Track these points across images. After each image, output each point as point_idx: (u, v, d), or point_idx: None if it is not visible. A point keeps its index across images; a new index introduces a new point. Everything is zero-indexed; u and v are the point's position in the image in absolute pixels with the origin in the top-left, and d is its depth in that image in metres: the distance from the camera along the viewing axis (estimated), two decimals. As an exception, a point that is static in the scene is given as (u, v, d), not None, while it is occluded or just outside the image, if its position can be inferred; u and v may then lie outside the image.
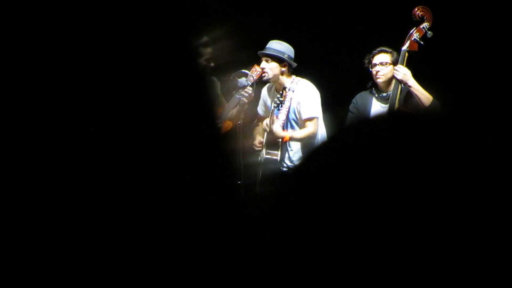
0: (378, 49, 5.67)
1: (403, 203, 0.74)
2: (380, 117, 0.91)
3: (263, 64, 5.64)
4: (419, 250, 0.73)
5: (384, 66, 5.59)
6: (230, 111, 5.56)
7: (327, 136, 5.71)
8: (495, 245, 0.73)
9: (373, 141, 0.79)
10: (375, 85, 5.76)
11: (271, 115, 5.61)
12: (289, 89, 5.69)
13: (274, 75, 5.67)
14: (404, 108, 5.51)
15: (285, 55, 5.65)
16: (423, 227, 0.73)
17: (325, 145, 0.87)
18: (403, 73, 5.44)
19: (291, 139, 5.63)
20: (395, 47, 5.67)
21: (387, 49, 5.64)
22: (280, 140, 5.64)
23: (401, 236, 0.73)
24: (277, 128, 5.56)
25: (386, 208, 0.74)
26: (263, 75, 5.60)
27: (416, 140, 0.78)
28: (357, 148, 0.79)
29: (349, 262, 0.74)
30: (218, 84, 5.70)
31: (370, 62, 5.67)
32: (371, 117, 0.87)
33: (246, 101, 5.49)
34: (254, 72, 5.57)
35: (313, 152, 0.85)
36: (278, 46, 5.70)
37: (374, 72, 5.65)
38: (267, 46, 5.72)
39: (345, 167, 0.78)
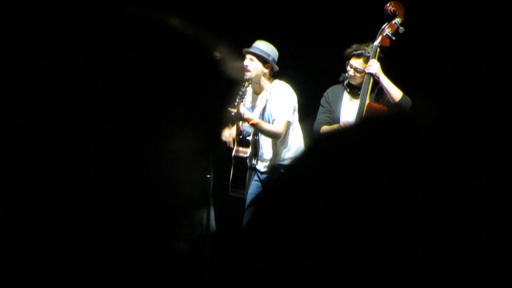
0: (358, 52, 5.61)
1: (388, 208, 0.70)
2: (357, 125, 0.88)
3: (247, 61, 5.58)
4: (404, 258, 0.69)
5: (358, 73, 5.56)
6: None
7: (304, 141, 5.72)
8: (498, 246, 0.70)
9: (351, 150, 0.76)
10: (347, 78, 5.72)
11: (237, 105, 5.51)
12: (266, 90, 5.65)
13: (256, 75, 5.62)
14: (375, 103, 5.53)
15: (270, 57, 5.61)
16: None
17: (305, 154, 0.83)
18: (376, 67, 5.44)
19: (258, 125, 5.53)
20: (368, 41, 5.65)
21: (366, 54, 5.57)
22: (251, 137, 5.59)
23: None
24: (244, 109, 5.50)
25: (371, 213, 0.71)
26: (245, 73, 5.54)
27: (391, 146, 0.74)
28: (336, 157, 0.76)
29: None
30: None
31: (348, 58, 5.62)
32: (347, 126, 0.84)
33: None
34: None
35: (294, 162, 0.82)
36: (264, 46, 5.66)
37: (349, 73, 5.62)
38: (254, 45, 5.67)
39: (326, 175, 0.75)
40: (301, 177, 0.73)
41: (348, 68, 5.62)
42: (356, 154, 0.72)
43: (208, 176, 5.29)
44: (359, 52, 5.58)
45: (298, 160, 0.79)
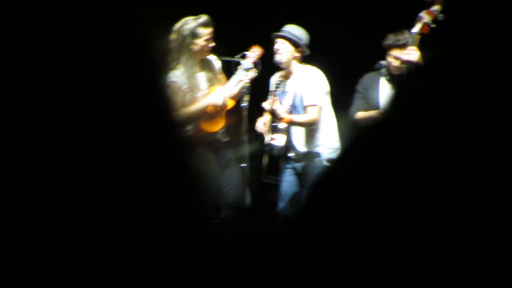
0: (401, 42, 5.54)
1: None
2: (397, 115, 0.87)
3: (278, 45, 5.58)
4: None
5: (404, 64, 5.53)
6: (230, 90, 5.49)
7: (339, 128, 5.70)
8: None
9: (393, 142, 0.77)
10: (386, 66, 5.70)
11: (272, 97, 5.54)
12: (296, 76, 5.64)
13: (288, 59, 5.60)
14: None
15: (301, 41, 5.59)
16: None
17: (349, 147, 0.82)
18: (416, 55, 5.41)
19: (291, 122, 5.56)
20: (402, 29, 5.61)
21: (409, 44, 5.51)
22: (283, 125, 5.59)
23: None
24: (278, 107, 5.51)
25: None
26: (276, 56, 5.54)
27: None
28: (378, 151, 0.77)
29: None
30: (218, 62, 5.64)
31: (391, 47, 5.57)
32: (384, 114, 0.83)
33: (247, 84, 5.43)
34: (253, 53, 5.52)
35: (344, 152, 0.82)
36: (296, 30, 5.65)
37: (394, 64, 5.59)
38: (285, 29, 5.65)
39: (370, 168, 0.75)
40: (346, 171, 0.73)
41: (392, 59, 5.58)
42: (398, 147, 0.72)
43: (244, 165, 5.33)
44: (401, 42, 5.55)
45: (343, 154, 0.79)
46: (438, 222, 0.70)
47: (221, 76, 5.63)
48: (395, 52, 5.58)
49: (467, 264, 0.70)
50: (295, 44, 5.59)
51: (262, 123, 5.68)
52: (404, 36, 5.56)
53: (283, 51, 5.58)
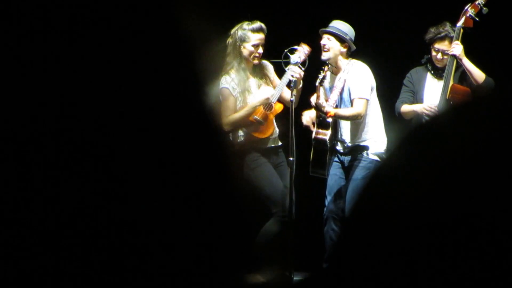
0: (443, 34, 5.61)
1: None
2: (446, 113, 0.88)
3: (324, 41, 5.60)
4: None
5: (446, 55, 5.57)
6: (280, 92, 5.55)
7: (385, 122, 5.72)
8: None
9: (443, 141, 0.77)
10: (430, 60, 5.74)
11: (316, 91, 5.56)
12: (343, 70, 5.66)
13: (334, 54, 5.63)
14: (459, 85, 5.52)
15: (347, 36, 5.62)
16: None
17: (400, 146, 0.85)
18: (460, 49, 5.44)
19: (336, 115, 5.58)
20: (443, 22, 5.63)
21: (450, 35, 5.56)
22: (330, 119, 5.61)
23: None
24: (322, 103, 5.53)
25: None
26: (323, 52, 5.57)
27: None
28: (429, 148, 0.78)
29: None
30: (271, 67, 5.71)
31: (432, 41, 5.63)
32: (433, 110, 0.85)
33: (296, 79, 5.47)
34: (302, 50, 5.56)
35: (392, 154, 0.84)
36: (341, 26, 5.66)
37: (436, 57, 5.65)
38: (331, 24, 5.68)
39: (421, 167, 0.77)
40: (398, 169, 0.75)
41: (434, 53, 5.63)
42: (448, 145, 0.73)
43: (291, 159, 5.38)
44: (443, 34, 5.57)
45: (394, 153, 0.81)
46: (494, 225, 0.70)
47: (276, 81, 5.68)
48: (438, 45, 5.61)
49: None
50: (341, 39, 5.62)
51: (308, 117, 5.72)
52: (445, 28, 5.59)
53: (329, 46, 5.61)
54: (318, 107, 5.50)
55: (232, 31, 5.54)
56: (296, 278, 5.46)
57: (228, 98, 5.54)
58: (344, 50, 5.63)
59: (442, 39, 5.60)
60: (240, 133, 5.65)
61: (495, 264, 0.70)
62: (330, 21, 5.72)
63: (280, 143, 5.73)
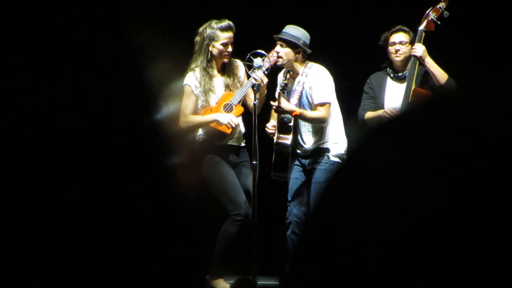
0: (397, 28, 5.71)
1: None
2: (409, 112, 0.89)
3: (278, 48, 5.62)
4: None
5: (403, 45, 5.62)
6: (242, 95, 5.57)
7: (347, 128, 5.74)
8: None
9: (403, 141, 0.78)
10: (390, 65, 5.76)
11: (278, 97, 5.57)
12: (301, 74, 5.67)
13: (288, 61, 5.64)
14: (421, 88, 5.55)
15: (300, 41, 5.62)
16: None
17: (360, 148, 0.84)
18: (422, 49, 5.48)
19: (301, 115, 5.59)
20: (411, 27, 5.69)
21: (405, 28, 5.66)
22: (291, 123, 5.62)
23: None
24: (285, 103, 5.54)
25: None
26: (277, 60, 5.58)
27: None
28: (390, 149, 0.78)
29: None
30: (242, 67, 5.72)
31: (387, 40, 5.68)
32: (393, 112, 0.85)
33: (259, 83, 5.46)
34: (271, 57, 5.56)
35: (352, 156, 0.83)
36: (293, 31, 5.66)
37: (393, 51, 5.69)
38: (283, 30, 5.68)
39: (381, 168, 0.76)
40: (359, 170, 0.75)
41: (391, 48, 5.66)
42: (408, 146, 0.73)
43: (255, 162, 5.37)
44: (397, 28, 5.69)
45: (355, 154, 0.81)
46: (451, 219, 0.72)
47: (245, 82, 5.69)
48: (393, 38, 5.68)
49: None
50: (293, 45, 5.63)
51: (271, 125, 5.73)
52: (398, 26, 5.68)
53: (283, 53, 5.62)
54: (282, 109, 5.51)
55: (200, 29, 5.55)
56: (259, 282, 5.44)
57: (189, 96, 5.59)
58: (298, 55, 5.64)
59: (396, 31, 5.69)
60: (200, 132, 5.66)
61: (452, 258, 0.73)
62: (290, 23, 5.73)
63: (243, 144, 5.74)
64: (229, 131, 5.57)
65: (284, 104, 5.52)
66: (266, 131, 5.71)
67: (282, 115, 5.63)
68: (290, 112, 5.53)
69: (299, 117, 5.59)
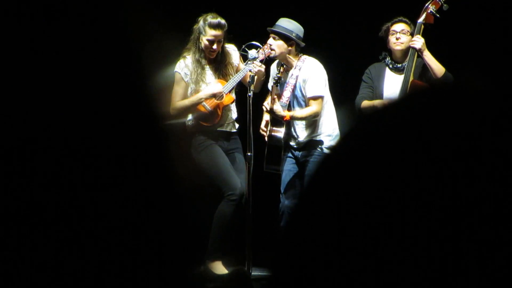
0: (398, 18, 5.69)
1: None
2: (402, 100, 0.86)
3: (270, 41, 5.60)
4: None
5: (404, 34, 5.61)
6: (234, 84, 5.54)
7: (344, 117, 5.73)
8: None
9: (394, 128, 0.76)
10: (389, 55, 5.75)
11: (271, 93, 5.57)
12: (295, 67, 5.65)
13: (281, 53, 5.62)
14: (418, 81, 5.55)
15: (293, 34, 5.60)
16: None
17: (349, 134, 0.82)
18: (421, 42, 5.48)
19: (292, 118, 5.61)
20: (411, 20, 5.67)
21: (407, 20, 5.64)
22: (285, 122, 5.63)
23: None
24: (278, 107, 5.55)
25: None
26: (270, 52, 5.56)
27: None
28: (380, 136, 0.76)
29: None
30: (236, 54, 5.68)
31: (387, 30, 5.67)
32: (394, 100, 0.83)
33: (253, 74, 5.45)
34: (266, 49, 5.54)
35: (341, 141, 0.82)
36: (287, 24, 5.64)
37: (393, 40, 5.69)
38: (277, 23, 5.67)
39: (371, 155, 0.74)
40: (347, 158, 0.73)
41: (391, 37, 5.64)
42: (399, 133, 0.71)
43: (249, 154, 5.36)
44: (397, 19, 5.67)
45: (343, 140, 0.79)
46: (440, 215, 0.69)
47: (240, 67, 5.66)
48: (393, 27, 5.68)
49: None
50: (286, 38, 5.60)
51: (264, 126, 5.74)
52: (399, 17, 5.68)
53: (275, 46, 5.60)
54: (274, 113, 5.53)
55: (198, 19, 5.52)
56: (254, 273, 5.43)
57: (179, 82, 5.58)
58: (291, 48, 5.63)
59: (397, 22, 5.71)
60: (189, 117, 5.64)
61: (441, 256, 0.70)
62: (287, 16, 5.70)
63: (234, 130, 5.71)
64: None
65: (276, 107, 5.52)
66: (260, 132, 5.72)
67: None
68: (281, 118, 5.54)
69: (291, 120, 5.62)
